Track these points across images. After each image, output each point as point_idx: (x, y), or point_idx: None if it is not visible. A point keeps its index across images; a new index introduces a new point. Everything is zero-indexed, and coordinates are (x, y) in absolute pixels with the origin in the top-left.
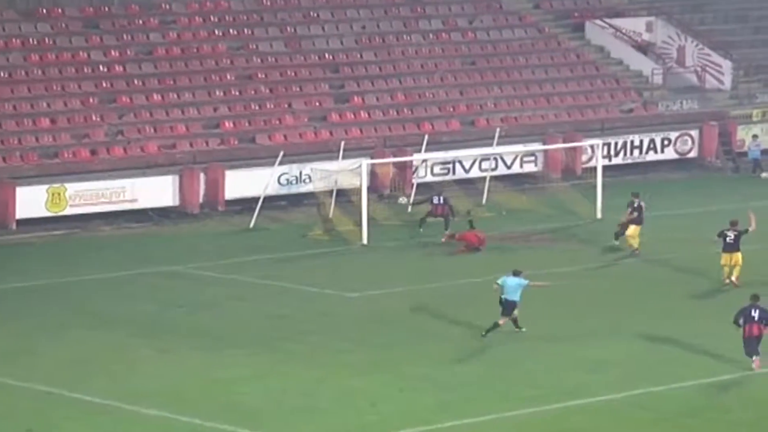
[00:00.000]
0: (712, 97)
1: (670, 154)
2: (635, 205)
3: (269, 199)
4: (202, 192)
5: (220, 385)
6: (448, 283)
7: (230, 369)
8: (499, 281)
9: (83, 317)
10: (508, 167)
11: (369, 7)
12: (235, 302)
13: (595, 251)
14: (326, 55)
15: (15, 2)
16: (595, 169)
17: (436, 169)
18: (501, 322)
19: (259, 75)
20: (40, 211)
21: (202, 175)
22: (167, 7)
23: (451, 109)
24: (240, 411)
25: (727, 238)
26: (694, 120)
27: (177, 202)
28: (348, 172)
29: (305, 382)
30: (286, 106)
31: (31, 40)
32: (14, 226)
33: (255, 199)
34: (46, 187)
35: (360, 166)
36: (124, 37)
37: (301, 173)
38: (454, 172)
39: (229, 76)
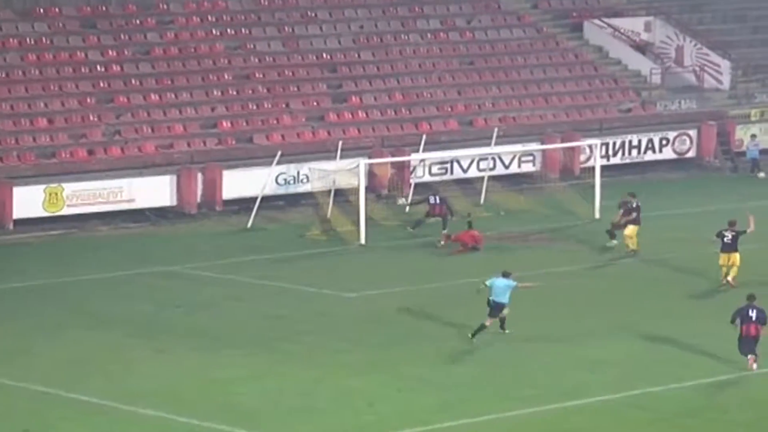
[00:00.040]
0: (710, 96)
1: (668, 153)
2: (633, 205)
3: (267, 199)
4: (199, 192)
5: (218, 385)
6: (446, 283)
7: (227, 369)
8: (488, 282)
9: (80, 317)
10: (506, 167)
11: (367, 7)
12: (232, 302)
13: (593, 251)
14: (324, 55)
15: (12, 2)
16: (593, 169)
17: (434, 169)
18: (488, 323)
19: (257, 75)
20: (38, 211)
21: (199, 175)
22: (165, 6)
23: (449, 109)
24: (237, 411)
25: (725, 239)
26: (692, 120)
27: (174, 202)
28: (346, 172)
29: (303, 382)
30: (283, 105)
31: (28, 39)
32: (11, 226)
33: (252, 199)
34: (43, 187)
35: (358, 166)
36: (122, 36)
37: (298, 173)
38: (452, 172)
39: (226, 76)
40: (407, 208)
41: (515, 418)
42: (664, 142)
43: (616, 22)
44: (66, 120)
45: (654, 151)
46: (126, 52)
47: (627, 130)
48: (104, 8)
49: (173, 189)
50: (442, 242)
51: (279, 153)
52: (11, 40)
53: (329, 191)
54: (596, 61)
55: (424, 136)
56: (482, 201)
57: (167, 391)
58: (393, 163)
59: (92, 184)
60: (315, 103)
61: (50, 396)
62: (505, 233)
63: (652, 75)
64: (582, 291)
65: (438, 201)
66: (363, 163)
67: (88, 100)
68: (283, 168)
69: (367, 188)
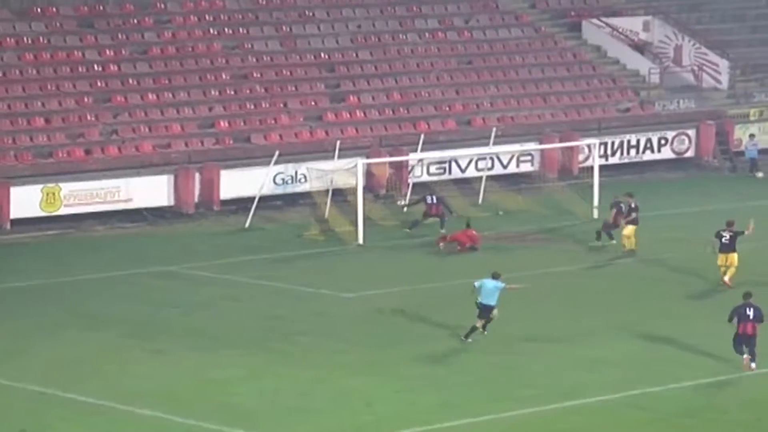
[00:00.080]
0: (709, 96)
1: (667, 153)
2: (633, 205)
3: (265, 199)
4: (197, 192)
5: (215, 385)
6: (444, 283)
7: (225, 369)
8: (477, 283)
9: (77, 317)
10: (505, 167)
11: (365, 6)
12: (230, 302)
13: (592, 251)
14: (322, 55)
15: (9, 1)
16: (591, 168)
17: (432, 169)
18: (479, 324)
19: (255, 74)
20: (35, 211)
21: (197, 175)
22: (162, 6)
23: (448, 109)
24: (235, 411)
25: (723, 239)
26: (691, 119)
27: (172, 202)
28: (344, 171)
29: (300, 382)
30: (281, 105)
31: (25, 39)
32: (8, 226)
33: (250, 199)
34: (40, 186)
35: (356, 165)
36: (119, 36)
37: (296, 173)
38: (450, 172)
39: (224, 76)
40: (405, 209)
41: (514, 418)
42: (662, 141)
43: (614, 21)
44: (63, 119)
45: (652, 151)
46: (123, 52)
47: (625, 129)
48: (101, 8)
49: (171, 189)
50: (442, 245)
51: (277, 153)
52: (8, 39)
53: (327, 191)
54: (594, 60)
55: (422, 136)
56: (480, 201)
57: (164, 392)
58: (391, 163)
59: (89, 184)
60: (313, 103)
61: (47, 396)
62: (503, 233)
63: (650, 74)
64: (581, 291)
65: (435, 201)
66: (361, 162)
67: (86, 99)
68: (280, 168)
69: (365, 188)
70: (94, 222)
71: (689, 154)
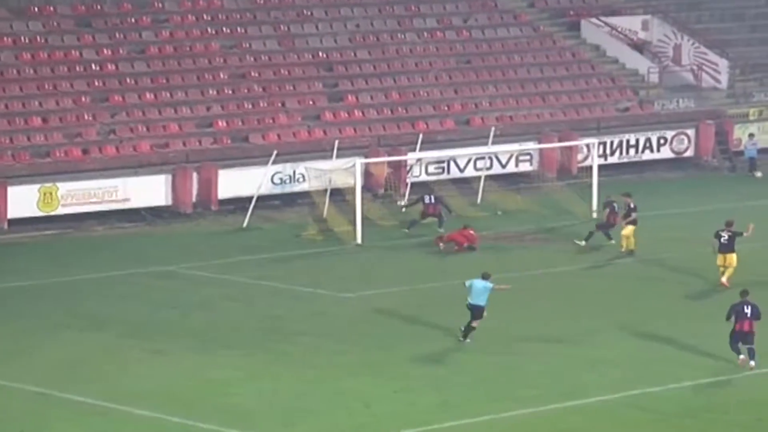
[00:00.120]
0: (708, 95)
1: (666, 153)
2: (631, 205)
3: (263, 199)
4: (195, 191)
5: (214, 385)
6: (443, 283)
7: (223, 370)
8: (467, 283)
9: (76, 318)
10: (503, 166)
11: (363, 6)
12: (228, 302)
13: (590, 251)
14: (320, 54)
15: (6, 0)
16: (590, 168)
17: (431, 169)
18: (474, 323)
19: (253, 74)
20: (32, 211)
21: (195, 175)
22: (160, 5)
23: (446, 108)
24: (233, 412)
25: (722, 239)
26: (690, 119)
27: (170, 202)
28: (342, 171)
29: (299, 383)
30: (279, 105)
31: (22, 38)
32: (6, 226)
33: (248, 199)
34: (37, 186)
35: (354, 165)
36: (117, 35)
37: (294, 172)
38: (448, 172)
39: (222, 75)
40: (403, 209)
41: (513, 418)
42: (661, 141)
43: (613, 20)
44: (61, 119)
45: (652, 151)
46: (121, 51)
47: (624, 129)
48: (99, 7)
49: (168, 188)
50: (441, 245)
51: (275, 152)
52: (6, 38)
53: (325, 191)
54: (593, 59)
55: (420, 136)
56: (479, 200)
57: (163, 392)
58: (389, 163)
59: (87, 184)
60: (311, 102)
61: (46, 396)
62: (502, 233)
63: (649, 74)
64: (580, 291)
65: (433, 200)
66: (359, 162)
67: (83, 99)
68: (279, 167)
69: (363, 188)
70: (92, 222)
71: (688, 153)
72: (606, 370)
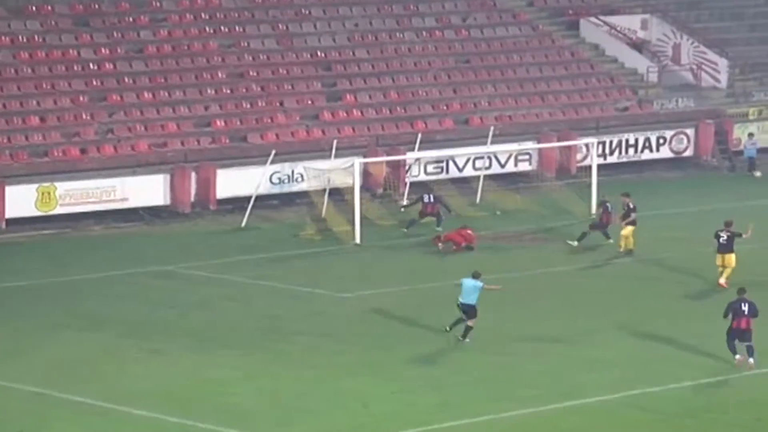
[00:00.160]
0: (707, 95)
1: (665, 152)
2: (630, 205)
3: (261, 198)
4: (193, 191)
5: (212, 385)
6: (442, 282)
7: (222, 369)
8: (459, 282)
9: (74, 317)
10: (502, 166)
11: (362, 5)
12: (227, 302)
13: (589, 251)
14: (318, 53)
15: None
16: (589, 167)
17: (430, 168)
18: (470, 323)
19: (251, 73)
20: (30, 211)
21: (193, 174)
22: (158, 4)
23: (445, 108)
24: (231, 412)
25: (721, 239)
26: (689, 118)
27: (168, 202)
28: (341, 171)
29: (297, 382)
30: (277, 104)
31: (20, 37)
32: (3, 226)
33: (247, 198)
34: (35, 186)
35: (352, 165)
36: (115, 34)
37: (293, 172)
38: (447, 171)
39: (220, 74)
40: (402, 209)
41: (513, 418)
42: (661, 140)
43: (612, 20)
44: (58, 118)
45: (651, 150)
46: (119, 50)
47: (624, 128)
48: (97, 6)
49: (167, 188)
50: (440, 245)
51: (273, 152)
52: (3, 38)
53: (324, 191)
54: (593, 59)
55: (419, 135)
56: (478, 200)
57: (161, 392)
58: (388, 162)
59: (85, 183)
60: (309, 102)
61: (44, 396)
62: (501, 233)
63: (648, 73)
64: (580, 291)
65: (432, 200)
66: (358, 162)
67: (81, 98)
68: (277, 167)
69: (362, 187)
70: (90, 221)
71: (688, 153)
72: (605, 370)
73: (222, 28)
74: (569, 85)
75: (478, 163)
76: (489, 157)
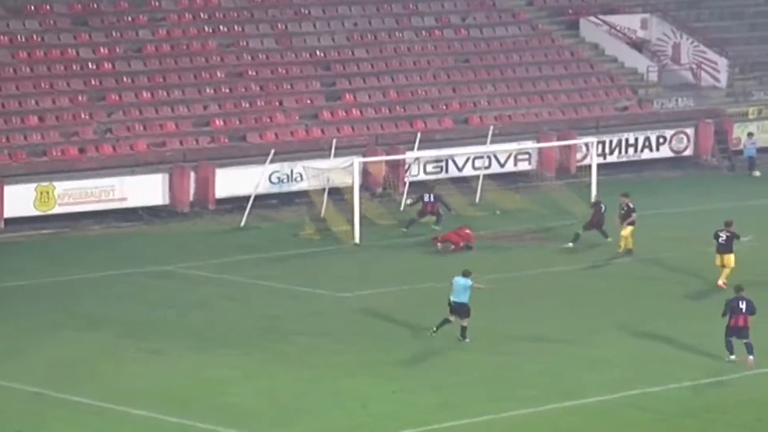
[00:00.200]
0: (707, 94)
1: (665, 152)
2: (630, 206)
3: (260, 198)
4: (192, 191)
5: (211, 385)
6: (441, 282)
7: (221, 369)
8: (451, 281)
9: (72, 317)
10: (502, 165)
11: (361, 4)
12: (226, 302)
13: (589, 251)
14: (317, 53)
15: None
16: (589, 167)
17: (429, 168)
18: (464, 322)
19: (250, 72)
20: (29, 210)
21: (192, 174)
22: (157, 3)
23: (444, 107)
24: (230, 412)
25: (720, 239)
26: (689, 118)
27: (167, 201)
28: (340, 170)
29: (296, 382)
30: (277, 103)
31: (19, 37)
32: (2, 225)
33: (246, 198)
34: (34, 185)
35: (352, 164)
36: (113, 34)
37: (292, 172)
38: (447, 171)
39: (219, 74)
40: (402, 208)
41: (512, 418)
42: (661, 140)
43: (612, 19)
44: (57, 118)
45: (651, 150)
46: (118, 50)
47: (623, 128)
48: (95, 5)
49: (166, 188)
50: (439, 245)
51: (272, 151)
52: (2, 37)
53: (323, 190)
54: (592, 58)
55: (418, 135)
56: (478, 200)
57: (160, 392)
58: (387, 162)
59: (84, 183)
60: (308, 101)
61: (42, 396)
62: (501, 232)
63: (648, 73)
64: (579, 291)
65: (432, 199)
66: (357, 161)
67: (80, 97)
68: (276, 166)
69: (361, 187)
70: (88, 221)
71: (688, 152)
72: (605, 370)
73: (221, 27)
74: (569, 84)
75: (478, 163)
76: (488, 157)
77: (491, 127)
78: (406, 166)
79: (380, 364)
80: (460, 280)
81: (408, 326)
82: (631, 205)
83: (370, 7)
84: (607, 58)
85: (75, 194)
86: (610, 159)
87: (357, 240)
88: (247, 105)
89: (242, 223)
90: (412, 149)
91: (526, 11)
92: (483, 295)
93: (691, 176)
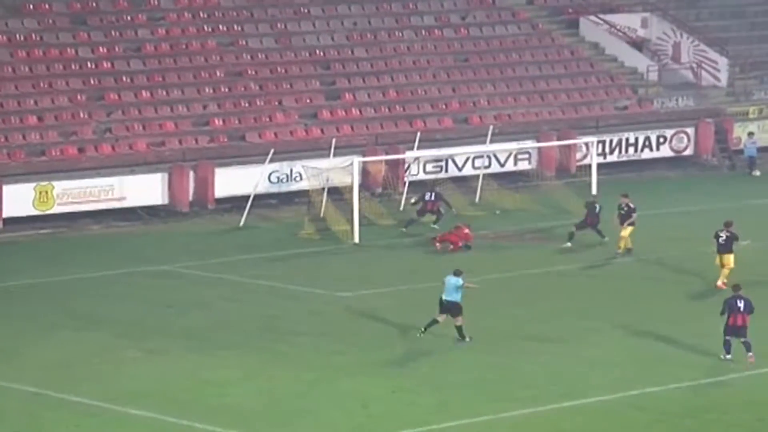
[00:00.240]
0: (707, 94)
1: (665, 151)
2: (631, 206)
3: (259, 198)
4: (191, 190)
5: (210, 386)
6: (440, 282)
7: (220, 370)
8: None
9: (71, 317)
10: (502, 165)
11: (360, 3)
12: (225, 302)
13: (589, 251)
14: (317, 52)
15: None
16: (589, 167)
17: (429, 167)
18: (457, 322)
19: (249, 72)
20: (27, 210)
21: (191, 173)
22: (156, 2)
23: (444, 107)
24: (229, 412)
25: (720, 239)
26: (689, 117)
27: (166, 201)
28: (340, 170)
29: (296, 383)
30: (276, 103)
31: (17, 36)
32: (1, 225)
33: (245, 198)
34: (33, 185)
35: (351, 164)
36: (112, 33)
37: (291, 171)
38: (446, 170)
39: (218, 73)
40: (402, 207)
41: (512, 419)
42: (661, 139)
43: (612, 18)
44: (56, 117)
45: (651, 149)
46: (117, 49)
47: (623, 127)
48: (94, 4)
49: (165, 187)
50: (438, 245)
51: (272, 151)
52: (0, 36)
53: (323, 189)
54: (592, 57)
55: (418, 134)
56: (478, 199)
57: (159, 392)
58: (387, 161)
59: (83, 183)
60: (308, 101)
61: (41, 397)
62: (501, 232)
63: (648, 72)
64: (579, 291)
65: (433, 197)
66: (357, 161)
67: (79, 97)
68: (275, 166)
69: (361, 186)
70: (87, 221)
71: (688, 152)
72: (605, 370)
73: (220, 26)
74: (569, 83)
75: (478, 162)
76: (488, 156)
77: (491, 127)
78: (406, 166)
79: (380, 364)
80: (451, 279)
81: (408, 326)
82: (632, 205)
83: (370, 7)
84: (607, 57)
85: (74, 194)
86: (610, 158)
87: (356, 240)
88: (247, 104)
89: (241, 223)
90: (411, 149)
91: (526, 10)
92: (483, 295)
93: (691, 176)
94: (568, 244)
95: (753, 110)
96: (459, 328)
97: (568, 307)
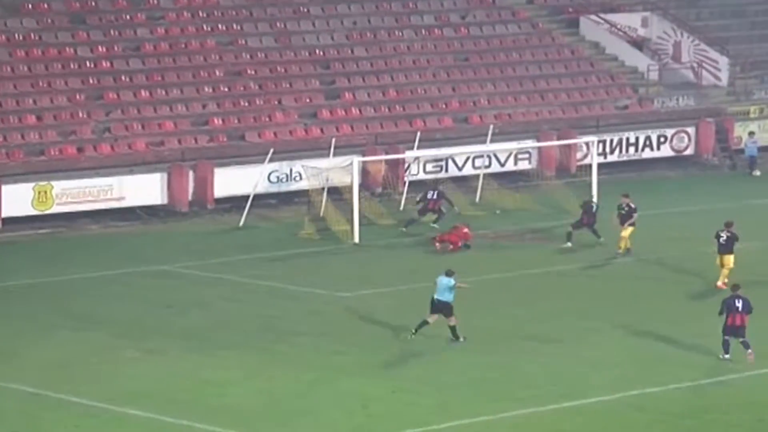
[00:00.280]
0: (708, 93)
1: (666, 151)
2: (631, 206)
3: (259, 197)
4: (190, 190)
5: (209, 386)
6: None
7: (220, 370)
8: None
9: (70, 317)
10: (502, 165)
11: (360, 2)
12: (224, 302)
13: (589, 251)
14: (317, 51)
15: None
16: (589, 166)
17: (429, 167)
18: (430, 320)
19: (249, 71)
20: (27, 210)
21: (190, 173)
22: (155, 2)
23: (444, 106)
24: (229, 412)
25: (720, 239)
26: (690, 117)
27: (165, 200)
28: (339, 169)
29: (295, 383)
30: (275, 102)
31: (16, 35)
32: (0, 225)
33: (245, 197)
34: (32, 185)
35: (351, 163)
36: (111, 32)
37: (291, 171)
38: (447, 170)
39: (218, 73)
40: (401, 207)
41: (512, 419)
42: (661, 139)
43: (612, 17)
44: (55, 117)
45: (651, 149)
46: (116, 48)
47: (624, 127)
48: (93, 4)
49: (164, 187)
50: (438, 245)
51: (271, 150)
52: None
53: (322, 189)
54: (593, 57)
55: (418, 134)
56: (478, 199)
57: (159, 393)
58: (387, 161)
59: (82, 182)
60: (308, 100)
61: (40, 397)
62: (501, 232)
63: (649, 71)
64: (579, 290)
65: (435, 196)
66: (356, 160)
67: (78, 96)
68: (275, 166)
69: (361, 186)
70: (86, 221)
71: (688, 151)
72: (605, 370)
73: (220, 26)
74: (569, 83)
75: (478, 162)
76: (488, 156)
77: (491, 126)
78: (406, 166)
79: (380, 364)
80: (443, 279)
81: (408, 326)
82: (633, 205)
83: (370, 6)
84: (608, 56)
85: (73, 193)
86: (610, 158)
87: (356, 240)
88: (246, 104)
89: (241, 223)
90: (411, 148)
91: (526, 9)
92: (483, 295)
93: (691, 175)
94: (569, 244)
95: (754, 110)
96: (453, 328)
97: (568, 307)
